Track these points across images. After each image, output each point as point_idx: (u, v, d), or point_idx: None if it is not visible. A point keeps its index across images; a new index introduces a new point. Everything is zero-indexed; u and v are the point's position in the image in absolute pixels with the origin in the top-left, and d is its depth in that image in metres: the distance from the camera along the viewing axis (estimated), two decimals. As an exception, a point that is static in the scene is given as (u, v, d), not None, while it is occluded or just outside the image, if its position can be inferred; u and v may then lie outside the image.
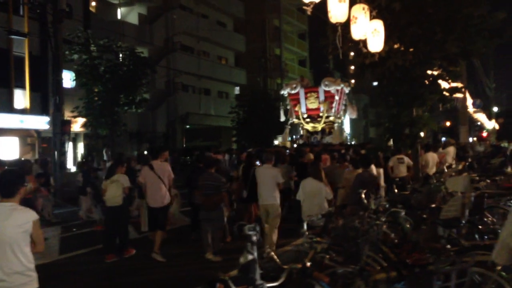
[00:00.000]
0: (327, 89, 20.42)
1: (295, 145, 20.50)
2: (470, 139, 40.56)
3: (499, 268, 4.36)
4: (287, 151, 15.63)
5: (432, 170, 12.75)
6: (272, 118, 29.37)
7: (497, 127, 47.90)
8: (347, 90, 21.42)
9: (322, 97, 20.55)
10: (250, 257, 2.91)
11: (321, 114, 20.70)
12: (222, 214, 8.05)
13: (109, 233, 8.46)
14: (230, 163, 17.22)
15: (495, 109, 51.08)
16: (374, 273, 3.77)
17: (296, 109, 21.16)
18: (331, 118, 20.76)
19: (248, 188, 9.54)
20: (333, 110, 20.52)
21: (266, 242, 8.01)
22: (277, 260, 3.46)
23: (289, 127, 22.54)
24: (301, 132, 22.55)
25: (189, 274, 7.38)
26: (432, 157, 13.28)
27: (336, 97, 20.46)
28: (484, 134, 44.84)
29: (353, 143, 23.02)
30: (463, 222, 5.91)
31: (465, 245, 5.32)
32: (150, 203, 8.38)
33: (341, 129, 21.22)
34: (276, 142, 33.26)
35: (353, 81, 31.25)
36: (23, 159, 16.57)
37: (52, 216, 12.57)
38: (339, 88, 20.66)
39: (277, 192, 8.18)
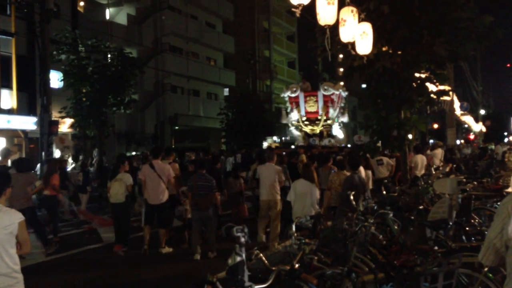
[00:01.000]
0: (326, 93, 21.06)
1: (292, 146, 20.88)
2: (458, 142, 40.93)
3: (486, 269, 4.39)
4: (283, 153, 15.91)
5: (420, 172, 12.87)
6: (261, 119, 29.42)
7: (484, 129, 48.38)
8: (344, 94, 21.91)
9: (321, 102, 21.21)
10: (238, 258, 2.90)
11: (319, 117, 21.40)
12: (213, 214, 8.33)
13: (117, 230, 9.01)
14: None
15: (482, 112, 51.60)
16: (362, 275, 3.78)
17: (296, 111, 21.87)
18: (329, 122, 21.46)
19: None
20: (330, 114, 21.25)
21: (260, 231, 8.81)
22: (266, 262, 3.46)
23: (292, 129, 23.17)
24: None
25: (178, 275, 7.36)
26: (421, 159, 13.42)
27: (335, 101, 21.19)
28: (471, 136, 45.28)
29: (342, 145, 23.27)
30: (450, 223, 5.95)
31: (452, 246, 5.35)
32: (149, 200, 8.75)
33: (339, 132, 21.96)
34: (265, 144, 33.33)
35: (342, 83, 31.45)
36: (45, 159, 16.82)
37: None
38: (337, 92, 21.31)
39: (278, 188, 8.82)
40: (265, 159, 9.27)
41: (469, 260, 4.62)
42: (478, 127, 46.79)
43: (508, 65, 71.25)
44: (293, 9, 6.28)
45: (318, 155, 13.30)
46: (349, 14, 7.22)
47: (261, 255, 3.48)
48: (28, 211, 7.82)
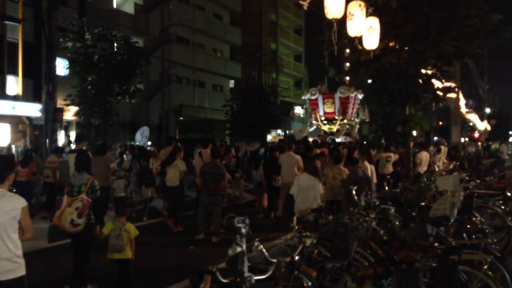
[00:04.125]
0: (342, 96, 23.21)
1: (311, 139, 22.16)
2: (462, 140, 40.73)
3: (485, 267, 4.40)
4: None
5: (423, 168, 12.89)
6: (266, 112, 29.40)
7: (489, 128, 48.15)
8: (360, 96, 22.98)
9: (337, 103, 23.46)
10: (238, 249, 2.92)
11: (336, 117, 23.63)
12: (221, 200, 9.25)
13: (170, 209, 10.15)
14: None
15: (488, 110, 51.32)
16: (361, 269, 3.79)
17: (315, 112, 24.37)
18: (345, 121, 23.66)
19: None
20: (347, 114, 23.43)
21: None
22: (266, 253, 3.48)
23: (313, 127, 25.26)
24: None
25: (179, 264, 7.40)
26: (425, 156, 13.46)
27: (350, 103, 23.30)
28: (476, 135, 45.05)
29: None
30: (452, 220, 5.95)
31: (453, 243, 5.36)
32: (199, 184, 9.77)
33: (356, 130, 24.08)
34: (269, 137, 33.33)
35: (348, 78, 31.52)
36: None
37: None
38: (352, 95, 23.24)
39: (296, 173, 9.79)
40: (285, 149, 11.10)
41: (469, 257, 4.63)
42: (483, 125, 46.55)
43: (516, 64, 70.63)
44: (300, 2, 6.28)
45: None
46: (357, 8, 7.20)
47: (262, 246, 3.50)
48: (104, 190, 8.75)
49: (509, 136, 53.15)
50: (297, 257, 3.07)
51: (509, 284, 4.85)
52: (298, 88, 47.78)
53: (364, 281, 3.73)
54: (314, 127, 25.14)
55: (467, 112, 38.64)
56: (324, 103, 24.00)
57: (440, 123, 44.16)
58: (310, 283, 3.05)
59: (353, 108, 23.68)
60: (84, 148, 10.62)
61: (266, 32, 41.89)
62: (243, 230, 3.01)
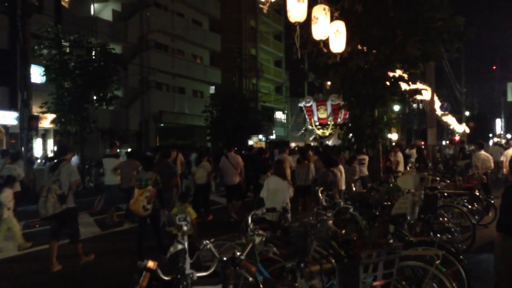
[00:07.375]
0: (333, 103, 25.22)
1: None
2: (444, 142, 41.23)
3: (437, 262, 4.50)
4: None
5: (400, 168, 13.23)
6: (246, 118, 29.45)
7: (467, 130, 48.82)
8: None
9: (329, 109, 25.82)
10: (180, 246, 2.95)
11: (328, 122, 25.98)
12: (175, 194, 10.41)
13: (196, 203, 11.51)
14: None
15: (467, 113, 52.04)
16: (309, 265, 3.84)
17: (310, 118, 26.80)
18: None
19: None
20: (338, 120, 25.29)
21: None
22: (214, 251, 3.52)
23: (303, 131, 28.36)
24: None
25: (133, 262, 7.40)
26: (400, 157, 13.80)
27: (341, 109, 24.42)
28: (457, 137, 45.64)
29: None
30: (409, 218, 6.08)
31: (412, 240, 5.46)
32: (226, 182, 11.88)
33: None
34: (250, 142, 33.38)
35: (329, 83, 32.01)
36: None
37: None
38: (342, 102, 23.92)
39: (289, 173, 10.41)
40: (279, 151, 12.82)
41: (421, 253, 4.73)
42: (461, 128, 47.18)
43: (494, 67, 71.93)
44: (260, 5, 6.34)
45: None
46: (322, 12, 7.29)
47: (210, 245, 3.54)
48: (130, 190, 9.55)
49: (489, 138, 54.03)
50: (238, 253, 3.11)
51: (464, 279, 4.97)
52: (279, 94, 47.95)
53: (313, 277, 3.78)
54: (300, 132, 27.77)
55: (442, 115, 39.14)
56: (317, 110, 26.32)
57: (421, 126, 44.65)
58: (250, 279, 3.09)
59: (345, 114, 24.87)
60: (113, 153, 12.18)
61: (246, 37, 42.03)
62: (185, 228, 3.05)
